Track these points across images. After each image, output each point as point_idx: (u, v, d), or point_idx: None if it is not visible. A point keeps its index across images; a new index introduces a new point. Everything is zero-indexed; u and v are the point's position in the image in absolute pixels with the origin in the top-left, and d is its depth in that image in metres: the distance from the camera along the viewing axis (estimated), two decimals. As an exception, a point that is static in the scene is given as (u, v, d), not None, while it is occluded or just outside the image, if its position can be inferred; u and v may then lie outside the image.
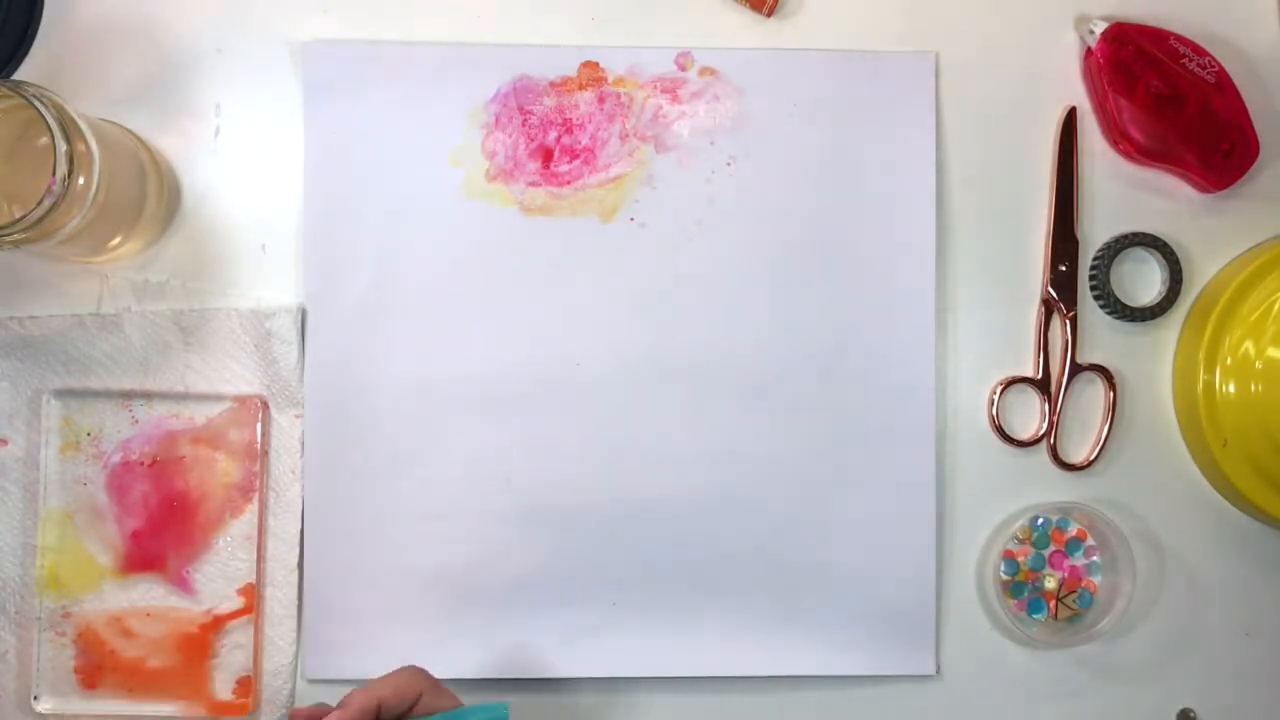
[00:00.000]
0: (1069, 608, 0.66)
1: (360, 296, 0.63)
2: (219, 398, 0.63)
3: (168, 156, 0.64)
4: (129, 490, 0.63)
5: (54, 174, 0.53)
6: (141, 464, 0.63)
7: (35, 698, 0.62)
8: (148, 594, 0.63)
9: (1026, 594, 0.65)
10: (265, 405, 0.63)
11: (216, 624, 0.63)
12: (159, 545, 0.63)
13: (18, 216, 0.54)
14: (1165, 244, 0.65)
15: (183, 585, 0.63)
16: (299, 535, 0.63)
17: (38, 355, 0.63)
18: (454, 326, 0.64)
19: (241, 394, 0.63)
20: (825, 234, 0.64)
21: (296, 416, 0.63)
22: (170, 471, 0.63)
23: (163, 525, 0.63)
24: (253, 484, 0.63)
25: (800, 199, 0.64)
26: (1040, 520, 0.65)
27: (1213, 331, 0.64)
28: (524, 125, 0.64)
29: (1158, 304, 0.66)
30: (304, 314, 0.64)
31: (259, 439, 0.63)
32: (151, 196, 0.62)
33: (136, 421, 0.63)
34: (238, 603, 0.63)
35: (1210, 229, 0.66)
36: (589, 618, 0.64)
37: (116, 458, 0.63)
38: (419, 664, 0.63)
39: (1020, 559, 0.65)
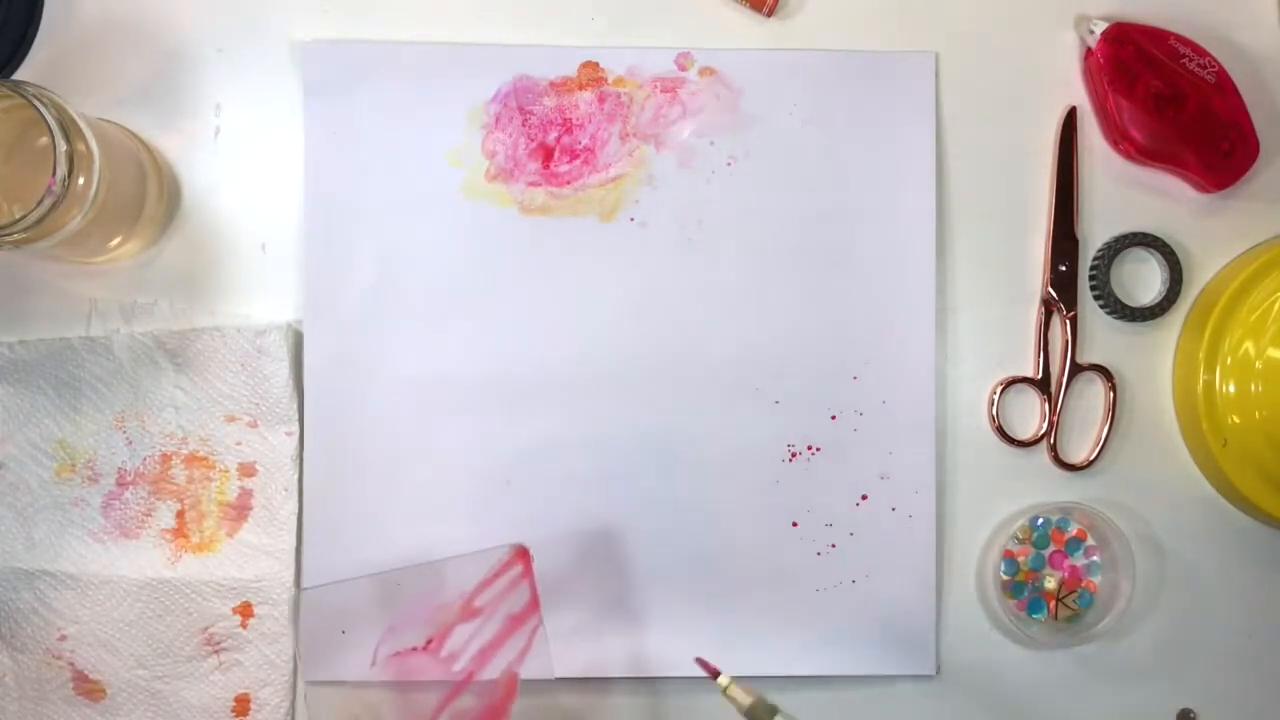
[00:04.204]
0: (1069, 608, 0.66)
1: (360, 297, 0.63)
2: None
3: (168, 156, 0.64)
4: None
5: (54, 174, 0.53)
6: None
7: None
8: None
9: (1026, 594, 0.65)
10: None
11: None
12: None
13: (18, 216, 0.54)
14: (1165, 244, 0.65)
15: None
16: (294, 551, 0.63)
17: (29, 379, 0.63)
18: (454, 326, 0.64)
19: (230, 414, 0.63)
20: (825, 234, 0.64)
21: (288, 434, 0.63)
22: None
23: None
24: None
25: (800, 199, 0.64)
26: (1040, 520, 0.65)
27: (1213, 331, 0.64)
28: (524, 125, 0.64)
29: (1158, 304, 0.66)
30: (295, 330, 0.63)
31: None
32: (151, 196, 0.62)
33: (131, 444, 0.63)
34: None
35: (1210, 229, 0.66)
36: (588, 618, 0.64)
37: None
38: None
39: (1020, 559, 0.65)
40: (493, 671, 0.58)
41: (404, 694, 0.59)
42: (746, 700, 0.52)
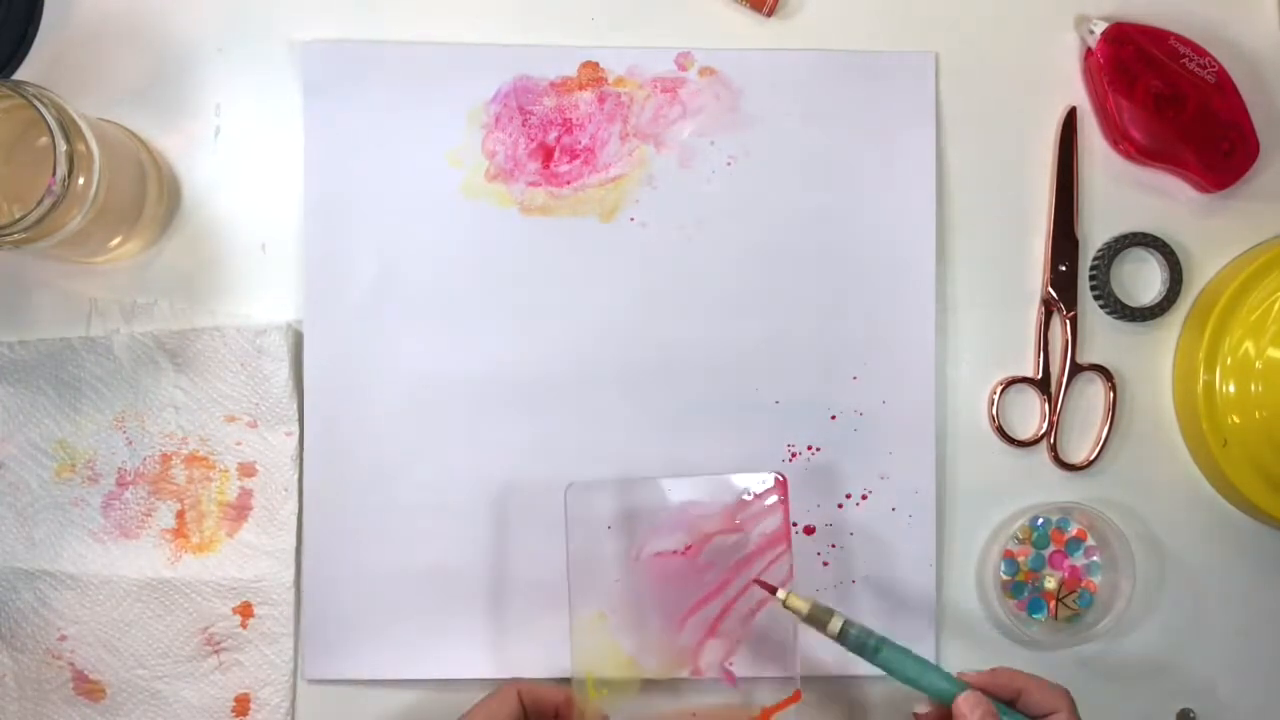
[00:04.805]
0: (1069, 608, 0.66)
1: (360, 297, 0.63)
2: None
3: (168, 156, 0.64)
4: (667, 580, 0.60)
5: (54, 174, 0.53)
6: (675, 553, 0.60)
7: None
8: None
9: (1026, 594, 0.65)
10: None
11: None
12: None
13: (18, 216, 0.54)
14: (1165, 244, 0.65)
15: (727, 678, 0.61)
16: (294, 551, 0.63)
17: (29, 379, 0.63)
18: (454, 326, 0.64)
19: (230, 414, 0.63)
20: (825, 234, 0.64)
21: (287, 434, 0.63)
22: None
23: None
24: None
25: (800, 199, 0.64)
26: (1040, 520, 0.65)
27: (1213, 331, 0.64)
28: (524, 125, 0.64)
29: (1158, 304, 0.66)
30: (295, 330, 0.63)
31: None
32: (151, 197, 0.62)
33: (131, 444, 0.63)
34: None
35: (1210, 229, 0.66)
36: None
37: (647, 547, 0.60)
38: (419, 663, 0.63)
39: (1020, 559, 0.65)
40: (740, 584, 0.61)
41: (659, 594, 0.61)
42: (805, 607, 0.57)
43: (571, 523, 0.61)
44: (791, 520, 0.64)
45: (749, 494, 0.61)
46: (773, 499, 0.61)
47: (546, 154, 0.64)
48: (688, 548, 0.61)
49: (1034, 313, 0.66)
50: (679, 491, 0.61)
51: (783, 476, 0.61)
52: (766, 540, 0.61)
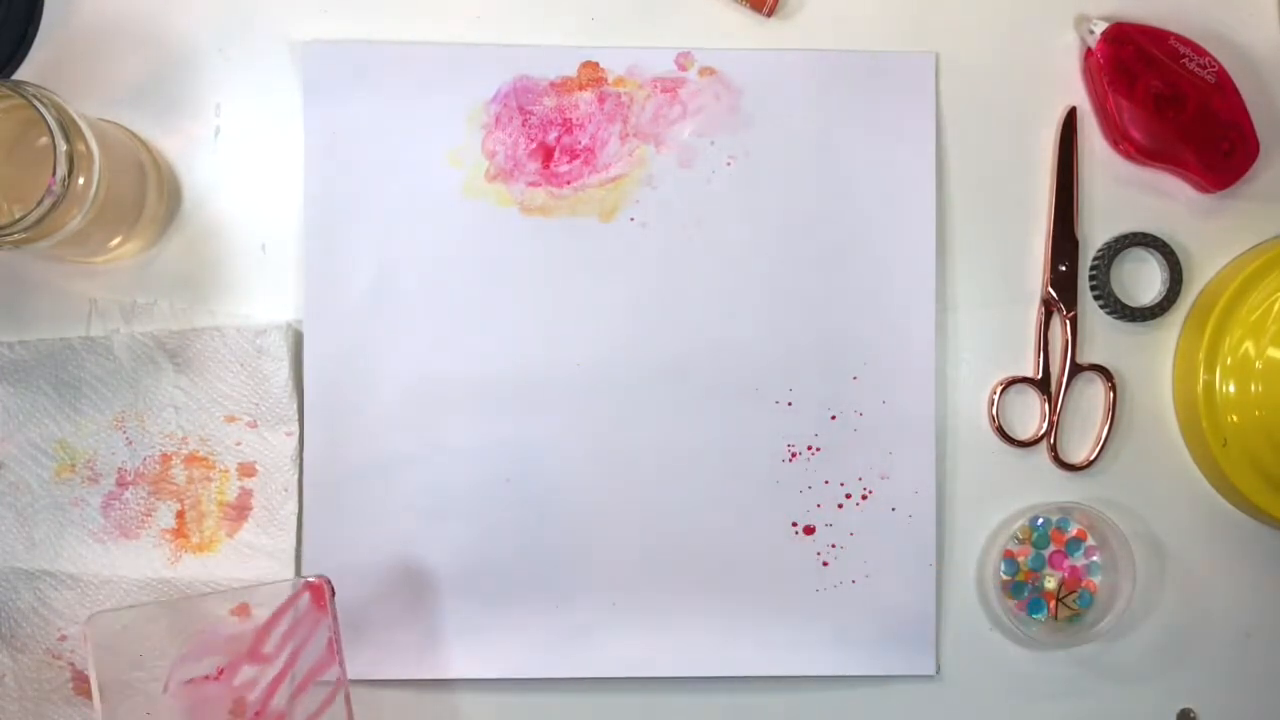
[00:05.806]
0: (1069, 608, 0.66)
1: (360, 297, 0.63)
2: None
3: (168, 156, 0.64)
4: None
5: (54, 174, 0.53)
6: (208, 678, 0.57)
7: None
8: None
9: (1026, 594, 0.65)
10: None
11: None
12: None
13: (18, 216, 0.54)
14: (1165, 244, 0.65)
15: None
16: (294, 551, 0.63)
17: (29, 379, 0.63)
18: (454, 326, 0.64)
19: (230, 414, 0.63)
20: (825, 234, 0.64)
21: (287, 434, 0.63)
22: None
23: None
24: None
25: (800, 199, 0.64)
26: (1040, 520, 0.65)
27: (1213, 331, 0.64)
28: (524, 125, 0.64)
29: (1158, 304, 0.66)
30: (295, 330, 0.63)
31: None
32: (151, 197, 0.62)
33: (131, 444, 0.63)
34: None
35: (1210, 229, 0.66)
36: (589, 618, 0.64)
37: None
38: (417, 664, 0.63)
39: (1020, 559, 0.65)
40: (285, 699, 0.58)
41: None
42: None
43: (99, 654, 0.56)
44: (791, 521, 0.64)
45: (283, 603, 0.58)
46: (306, 605, 0.58)
47: (546, 154, 0.64)
48: (220, 671, 0.58)
49: (1034, 313, 0.66)
50: (208, 609, 0.58)
51: (323, 580, 0.58)
52: (309, 650, 0.58)
